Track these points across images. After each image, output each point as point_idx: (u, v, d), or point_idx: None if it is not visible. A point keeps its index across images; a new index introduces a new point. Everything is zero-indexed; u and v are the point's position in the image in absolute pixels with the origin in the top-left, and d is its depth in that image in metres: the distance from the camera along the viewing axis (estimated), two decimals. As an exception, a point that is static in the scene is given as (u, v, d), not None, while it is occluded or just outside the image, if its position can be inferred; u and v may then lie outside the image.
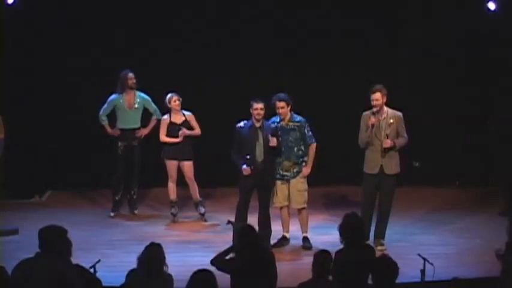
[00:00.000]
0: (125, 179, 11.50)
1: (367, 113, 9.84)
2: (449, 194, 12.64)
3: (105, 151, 11.76)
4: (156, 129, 11.31)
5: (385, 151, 9.75)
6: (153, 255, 6.80)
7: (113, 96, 11.32)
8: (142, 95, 11.39)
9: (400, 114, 9.87)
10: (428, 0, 12.57)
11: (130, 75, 11.23)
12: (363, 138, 9.82)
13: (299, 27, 12.67)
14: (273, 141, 9.76)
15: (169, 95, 11.10)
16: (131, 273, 6.88)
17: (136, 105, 11.33)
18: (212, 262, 7.37)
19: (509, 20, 12.24)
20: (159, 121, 11.33)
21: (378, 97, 9.71)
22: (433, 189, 12.77)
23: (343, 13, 12.62)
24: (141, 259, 6.78)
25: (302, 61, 12.67)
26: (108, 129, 11.41)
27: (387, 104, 9.84)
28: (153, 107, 11.44)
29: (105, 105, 11.36)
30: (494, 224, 10.41)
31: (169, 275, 6.94)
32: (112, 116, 11.46)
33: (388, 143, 9.70)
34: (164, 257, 6.93)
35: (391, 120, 9.76)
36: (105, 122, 11.39)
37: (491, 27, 12.46)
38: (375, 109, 9.74)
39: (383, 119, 9.77)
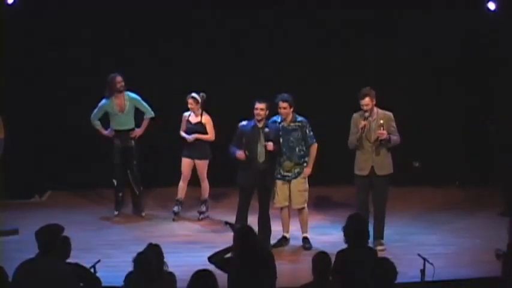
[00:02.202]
0: (124, 179, 11.49)
1: (357, 114, 9.77)
2: (449, 194, 12.63)
3: (104, 151, 11.75)
4: (155, 129, 11.41)
5: (381, 143, 9.62)
6: (147, 258, 6.76)
7: (103, 102, 11.25)
8: (132, 95, 11.30)
9: (390, 114, 9.78)
10: (428, 0, 12.56)
11: (119, 78, 11.13)
12: (353, 140, 9.75)
13: (300, 27, 12.67)
14: (270, 146, 9.76)
15: (188, 95, 11.19)
16: (130, 276, 6.86)
17: (127, 108, 11.29)
18: (210, 260, 7.38)
19: (509, 20, 12.24)
20: (151, 119, 11.38)
21: (367, 102, 9.62)
22: (433, 189, 12.76)
23: (342, 13, 12.61)
24: (135, 262, 6.74)
25: (302, 61, 12.66)
26: (103, 132, 11.37)
27: (377, 104, 9.75)
28: (143, 105, 11.38)
29: (96, 110, 11.29)
30: (494, 224, 10.42)
31: (171, 274, 6.92)
32: (105, 119, 11.40)
33: (383, 134, 9.57)
34: (162, 258, 6.90)
35: (381, 121, 9.64)
36: (98, 126, 11.35)
37: (491, 27, 12.46)
38: (366, 114, 9.65)
39: (373, 120, 9.69)
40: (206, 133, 11.21)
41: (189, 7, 12.51)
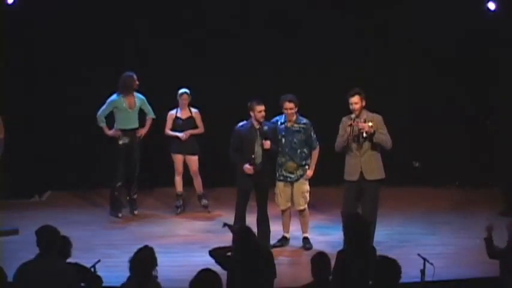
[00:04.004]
0: (124, 179, 11.49)
1: (346, 118, 9.56)
2: (449, 194, 12.63)
3: (105, 151, 11.75)
4: (154, 129, 11.50)
5: (365, 138, 9.35)
6: (143, 258, 6.73)
7: (113, 97, 11.30)
8: (140, 95, 11.44)
9: (379, 116, 9.53)
10: (428, 0, 12.56)
11: (135, 77, 11.28)
12: (340, 142, 9.51)
13: (299, 28, 12.67)
14: (266, 144, 9.74)
15: (180, 91, 11.40)
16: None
17: (136, 106, 11.38)
18: (211, 253, 7.39)
19: (509, 20, 12.24)
20: (153, 120, 11.50)
21: (356, 100, 9.39)
22: (433, 189, 12.75)
23: (341, 13, 12.61)
24: (131, 262, 6.73)
25: (302, 62, 12.66)
26: (108, 131, 11.36)
27: (369, 107, 9.58)
28: (148, 107, 11.52)
29: (104, 106, 11.31)
30: (494, 224, 10.39)
31: (157, 283, 6.86)
32: (108, 117, 11.40)
33: (365, 126, 9.29)
34: (154, 261, 6.84)
35: (370, 124, 9.38)
36: (103, 123, 11.36)
37: (491, 27, 12.46)
38: (353, 115, 9.44)
39: (362, 122, 9.43)
40: (196, 127, 11.46)
41: (186, 7, 12.51)
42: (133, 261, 6.66)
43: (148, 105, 11.50)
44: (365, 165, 9.48)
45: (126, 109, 11.30)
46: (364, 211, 9.40)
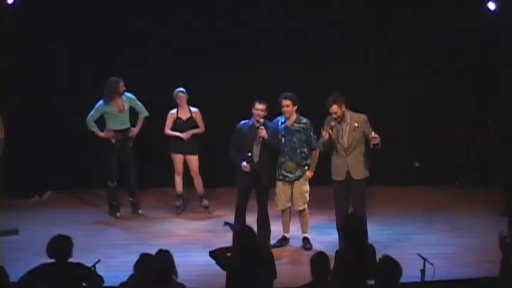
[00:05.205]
0: (118, 179, 11.47)
1: (330, 118, 9.52)
2: (449, 194, 12.62)
3: (105, 151, 11.74)
4: (147, 128, 11.52)
5: (375, 148, 9.28)
6: (147, 259, 6.72)
7: (100, 104, 11.23)
8: (128, 95, 11.36)
9: (364, 116, 9.53)
10: (428, 0, 12.56)
11: (122, 83, 11.20)
12: (319, 144, 9.61)
13: (299, 27, 12.67)
14: (262, 132, 9.67)
15: (175, 91, 11.35)
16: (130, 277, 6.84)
17: (126, 107, 11.33)
18: (211, 254, 7.40)
19: (509, 20, 12.23)
20: (145, 119, 11.48)
21: (335, 109, 9.39)
22: (433, 189, 12.75)
23: (341, 13, 12.61)
24: (136, 262, 6.73)
25: (302, 62, 12.65)
26: (100, 134, 11.33)
27: (349, 107, 9.56)
28: (138, 105, 11.45)
29: (93, 112, 11.25)
30: (494, 224, 10.40)
31: (181, 285, 6.87)
32: (99, 120, 11.34)
33: (376, 139, 9.22)
34: (170, 264, 6.83)
35: (356, 124, 9.41)
36: (94, 128, 11.31)
37: (491, 27, 12.46)
38: (333, 123, 9.43)
39: (346, 124, 9.46)
40: (197, 127, 11.47)
41: (186, 7, 12.52)
42: (138, 262, 6.68)
43: (139, 103, 11.43)
44: (351, 165, 9.51)
45: (116, 113, 11.27)
46: (354, 209, 9.45)
